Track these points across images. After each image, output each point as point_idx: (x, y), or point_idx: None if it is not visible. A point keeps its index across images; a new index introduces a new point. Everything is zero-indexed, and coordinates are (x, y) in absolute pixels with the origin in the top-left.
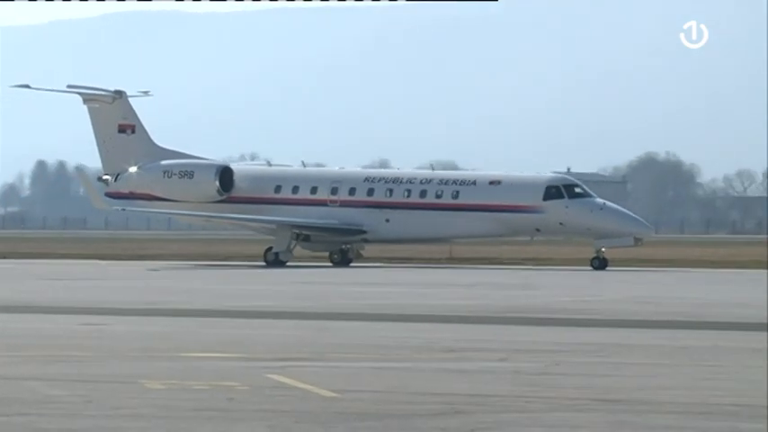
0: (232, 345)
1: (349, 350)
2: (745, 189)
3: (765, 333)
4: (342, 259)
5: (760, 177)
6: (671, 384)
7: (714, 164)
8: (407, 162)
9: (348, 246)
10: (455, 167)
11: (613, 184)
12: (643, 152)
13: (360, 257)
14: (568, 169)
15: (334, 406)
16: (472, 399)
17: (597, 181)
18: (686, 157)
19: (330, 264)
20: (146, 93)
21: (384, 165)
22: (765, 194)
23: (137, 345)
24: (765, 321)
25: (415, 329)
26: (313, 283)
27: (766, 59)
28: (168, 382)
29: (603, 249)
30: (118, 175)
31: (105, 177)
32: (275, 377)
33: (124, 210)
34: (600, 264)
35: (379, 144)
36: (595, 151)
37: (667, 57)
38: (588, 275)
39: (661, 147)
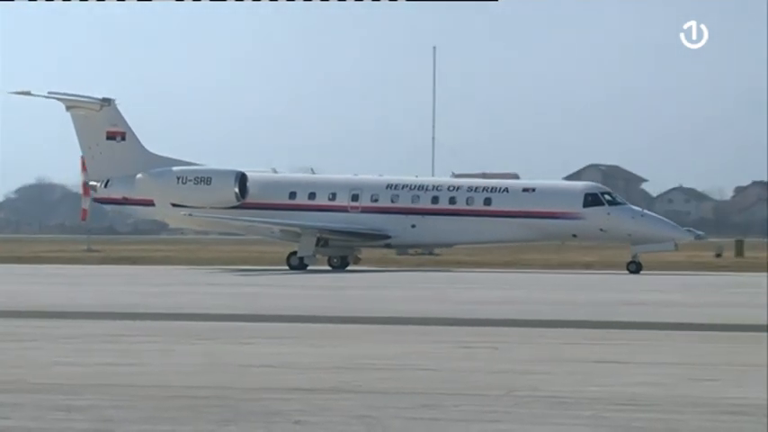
0: None
1: None
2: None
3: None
4: (341, 263)
5: None
6: None
7: None
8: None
9: (349, 251)
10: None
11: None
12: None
13: (358, 262)
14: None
15: None
16: None
17: None
18: None
19: (329, 267)
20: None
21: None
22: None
23: None
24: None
25: None
26: None
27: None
28: None
29: (638, 254)
30: (108, 181)
31: (93, 183)
32: None
33: (191, 215)
34: (636, 267)
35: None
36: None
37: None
38: None
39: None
